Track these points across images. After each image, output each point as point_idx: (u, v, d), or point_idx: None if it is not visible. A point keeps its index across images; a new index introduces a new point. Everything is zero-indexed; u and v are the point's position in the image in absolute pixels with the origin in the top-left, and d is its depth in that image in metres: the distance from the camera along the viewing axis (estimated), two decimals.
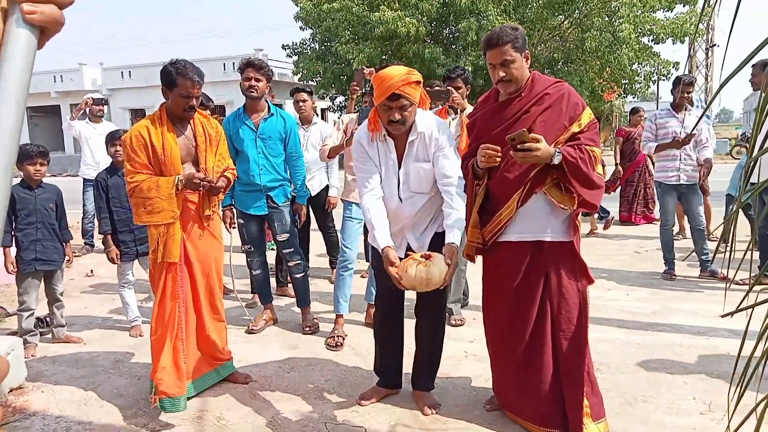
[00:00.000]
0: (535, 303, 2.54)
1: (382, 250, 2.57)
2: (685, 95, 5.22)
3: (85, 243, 6.93)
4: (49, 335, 4.00)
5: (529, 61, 2.57)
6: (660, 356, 3.46)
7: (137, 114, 26.85)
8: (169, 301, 2.92)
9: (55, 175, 20.66)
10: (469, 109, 3.99)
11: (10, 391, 3.17)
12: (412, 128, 2.65)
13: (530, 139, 2.33)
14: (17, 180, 3.80)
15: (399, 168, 2.73)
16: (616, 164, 7.72)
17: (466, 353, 3.58)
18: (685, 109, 5.20)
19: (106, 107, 6.85)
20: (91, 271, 5.97)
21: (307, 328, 4.03)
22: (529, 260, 2.55)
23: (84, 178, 6.73)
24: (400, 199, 2.75)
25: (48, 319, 4.04)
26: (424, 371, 2.95)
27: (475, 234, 2.68)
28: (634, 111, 7.94)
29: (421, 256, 2.49)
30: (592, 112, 2.58)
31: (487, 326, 2.79)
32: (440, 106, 3.96)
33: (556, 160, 2.39)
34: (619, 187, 7.86)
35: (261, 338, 3.98)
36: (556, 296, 2.52)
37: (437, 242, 2.73)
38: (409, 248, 2.77)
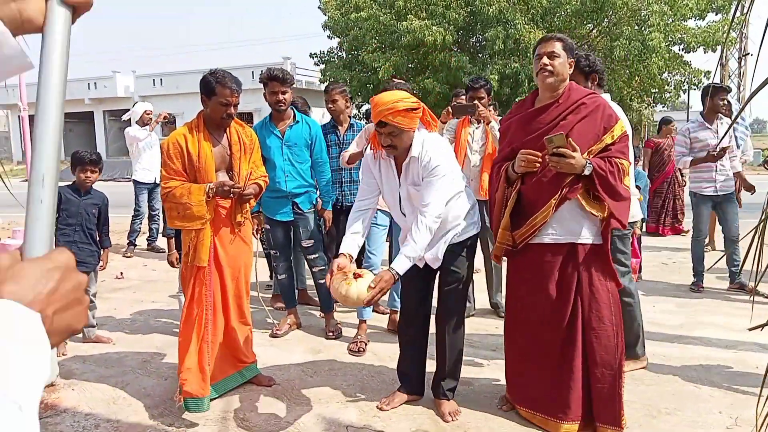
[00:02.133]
0: (568, 303, 2.62)
1: (339, 254, 2.68)
2: (720, 103, 5.08)
3: (129, 243, 7.12)
4: (80, 335, 4.11)
5: (572, 68, 2.67)
6: (686, 369, 3.41)
7: (168, 120, 27.36)
8: (197, 305, 3.01)
9: None
10: (494, 123, 4.03)
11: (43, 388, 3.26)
12: (409, 151, 2.69)
13: (567, 144, 2.42)
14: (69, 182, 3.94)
15: (399, 186, 2.80)
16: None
17: (489, 361, 3.58)
18: (718, 119, 5.07)
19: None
20: (121, 273, 6.10)
21: (330, 333, 4.07)
22: (562, 262, 2.63)
23: (138, 181, 6.96)
24: (403, 214, 2.85)
25: None
26: (444, 379, 2.96)
27: (506, 236, 2.74)
28: (666, 122, 7.82)
29: (354, 275, 2.54)
30: (624, 125, 2.62)
31: (513, 325, 2.82)
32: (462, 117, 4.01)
33: (587, 171, 2.48)
34: (647, 198, 7.75)
35: (285, 342, 4.04)
36: (587, 297, 2.60)
37: (452, 255, 2.81)
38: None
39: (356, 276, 2.54)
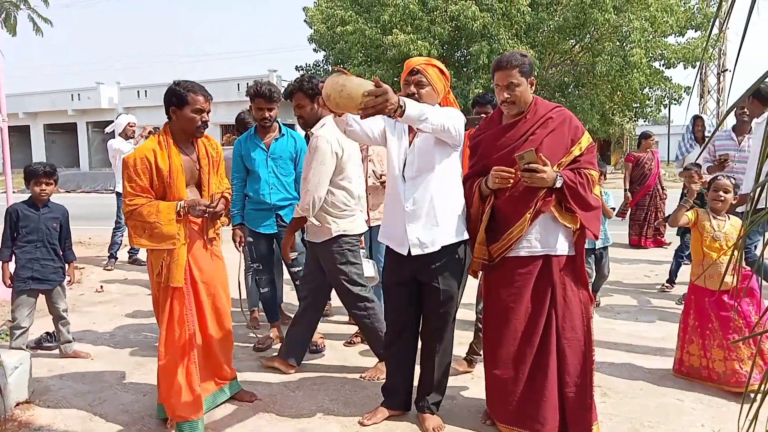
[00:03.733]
0: (543, 314, 2.66)
1: None
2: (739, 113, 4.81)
3: (110, 256, 6.99)
4: (57, 351, 4.02)
5: (533, 87, 2.69)
6: (668, 382, 3.42)
7: (152, 133, 27.22)
8: (178, 326, 2.87)
9: (69, 191, 20.90)
10: None
11: (17, 405, 3.18)
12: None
13: (538, 160, 2.47)
14: (25, 196, 3.85)
15: (410, 146, 2.76)
16: (625, 190, 7.70)
17: (473, 375, 3.56)
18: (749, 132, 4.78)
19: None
20: (101, 286, 6.01)
21: (314, 347, 4.03)
22: (537, 274, 2.67)
23: (121, 193, 6.86)
24: (404, 178, 2.73)
25: (56, 334, 4.05)
26: (429, 393, 2.93)
27: (482, 251, 2.75)
28: (646, 136, 7.93)
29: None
30: (590, 136, 2.69)
31: (490, 338, 2.81)
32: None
33: (558, 184, 2.55)
34: (629, 211, 7.83)
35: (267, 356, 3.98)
36: (561, 307, 2.65)
37: (447, 253, 2.72)
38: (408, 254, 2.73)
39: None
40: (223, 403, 3.19)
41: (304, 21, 22.00)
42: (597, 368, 3.61)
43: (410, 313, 2.91)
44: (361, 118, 2.32)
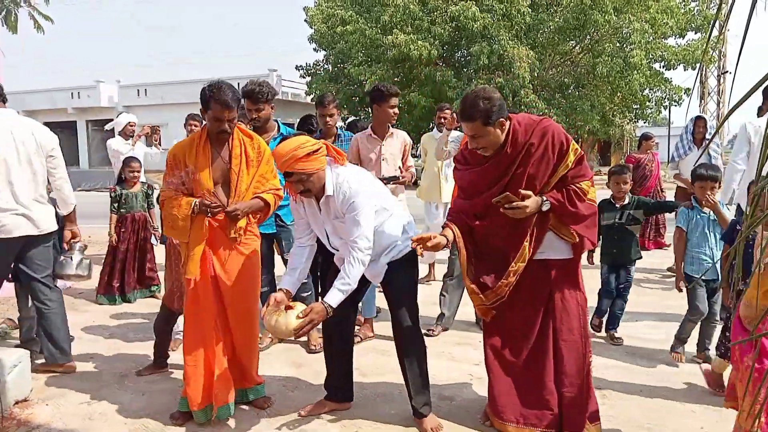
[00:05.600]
0: (539, 315, 2.68)
1: (278, 290, 2.76)
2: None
3: None
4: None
5: (505, 126, 2.55)
6: (668, 384, 3.42)
7: (150, 132, 27.23)
8: (193, 319, 2.97)
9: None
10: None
11: (16, 403, 3.18)
12: (324, 189, 2.72)
13: (515, 199, 2.47)
14: None
15: (323, 222, 2.84)
16: None
17: (471, 376, 3.56)
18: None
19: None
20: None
21: (313, 347, 4.02)
22: (534, 276, 2.67)
23: None
24: (335, 249, 2.88)
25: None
26: (413, 398, 2.94)
27: (478, 299, 2.73)
28: (646, 137, 7.91)
29: (285, 306, 2.62)
30: (576, 146, 2.61)
31: (490, 340, 2.84)
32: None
33: (545, 208, 2.54)
34: None
35: (266, 356, 3.97)
36: (559, 309, 2.67)
37: (392, 271, 2.85)
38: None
39: (287, 308, 2.61)
40: (244, 404, 3.16)
41: (305, 21, 21.99)
42: (596, 370, 3.62)
43: (347, 313, 2.97)
44: (301, 336, 2.71)
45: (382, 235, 2.82)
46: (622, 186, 4.12)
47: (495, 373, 2.81)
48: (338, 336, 3.05)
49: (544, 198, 2.53)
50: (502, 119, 2.50)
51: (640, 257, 4.29)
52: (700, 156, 4.38)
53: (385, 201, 2.89)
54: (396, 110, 4.18)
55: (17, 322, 4.13)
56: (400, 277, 2.90)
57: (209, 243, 2.96)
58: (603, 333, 4.29)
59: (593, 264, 4.26)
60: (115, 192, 5.39)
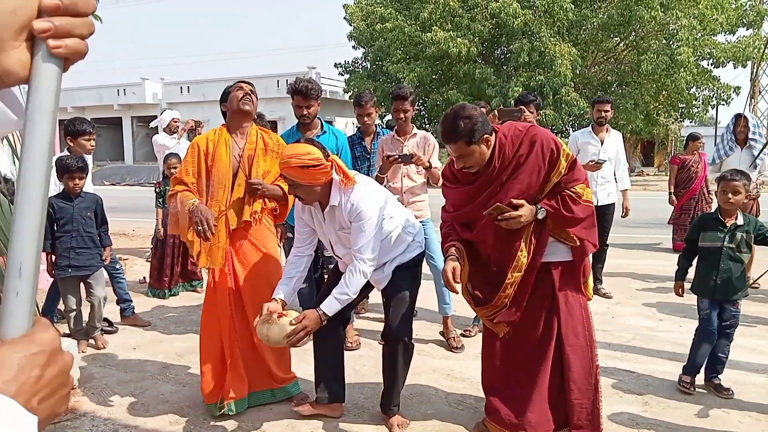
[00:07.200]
0: (541, 319, 2.62)
1: (272, 299, 2.72)
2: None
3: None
4: (115, 332, 4.24)
5: (490, 143, 2.47)
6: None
7: (193, 127, 27.86)
8: (209, 314, 3.05)
9: (114, 184, 21.54)
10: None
11: None
12: (329, 200, 2.68)
13: (508, 209, 2.42)
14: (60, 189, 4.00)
15: (326, 231, 2.81)
16: (670, 193, 7.47)
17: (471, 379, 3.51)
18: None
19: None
20: (144, 277, 6.15)
21: (349, 344, 4.04)
22: (536, 279, 2.61)
23: None
24: (338, 256, 2.86)
25: (109, 319, 4.26)
26: (386, 397, 2.93)
27: (482, 311, 2.70)
28: (693, 138, 7.65)
29: (277, 315, 2.59)
30: (568, 150, 2.53)
31: (488, 345, 2.80)
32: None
33: (541, 216, 2.49)
34: (674, 216, 7.61)
35: (302, 352, 4.00)
36: (563, 313, 2.60)
37: (395, 276, 2.82)
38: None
39: (280, 316, 2.59)
40: (270, 404, 3.18)
41: (344, 18, 22.11)
42: (638, 375, 3.54)
43: (340, 317, 2.89)
44: (294, 344, 2.65)
45: (389, 245, 2.79)
46: (731, 197, 3.21)
47: (489, 378, 2.79)
48: (329, 339, 2.95)
49: (539, 206, 2.48)
50: (486, 135, 2.43)
51: (754, 287, 3.58)
52: (754, 159, 4.12)
53: (394, 210, 2.85)
54: (402, 114, 4.08)
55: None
56: (401, 283, 2.85)
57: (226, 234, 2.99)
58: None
59: (682, 296, 3.48)
60: (160, 187, 5.53)
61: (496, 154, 2.49)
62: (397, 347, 2.86)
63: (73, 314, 4.02)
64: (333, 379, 3.01)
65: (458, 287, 2.55)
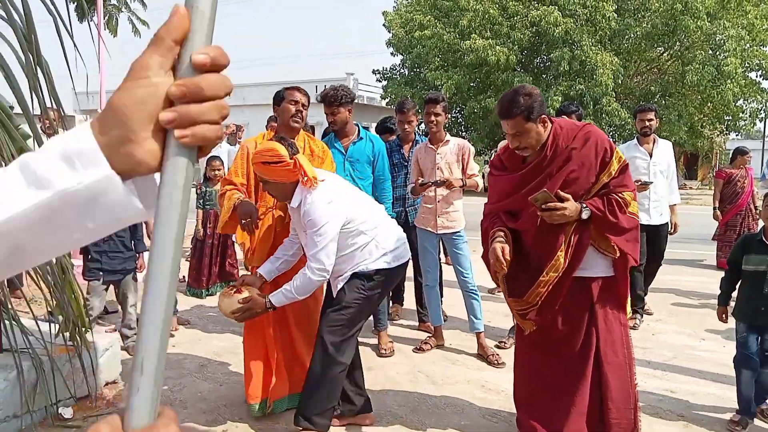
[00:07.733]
0: (579, 337, 2.53)
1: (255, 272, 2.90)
2: None
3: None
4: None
5: (547, 126, 2.45)
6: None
7: (233, 131, 28.37)
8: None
9: None
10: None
11: (106, 384, 3.40)
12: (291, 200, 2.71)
13: (554, 199, 2.35)
14: None
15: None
16: (715, 208, 7.26)
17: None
18: None
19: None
20: (183, 277, 6.28)
21: (383, 351, 4.05)
22: (574, 294, 2.51)
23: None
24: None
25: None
26: (301, 404, 2.77)
27: (515, 304, 2.64)
28: (741, 152, 7.40)
29: (235, 290, 2.75)
30: (621, 154, 2.47)
31: (522, 360, 2.75)
32: None
33: (585, 215, 2.40)
34: (718, 232, 7.39)
35: None
36: (603, 331, 2.51)
37: (349, 282, 2.75)
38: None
39: (237, 291, 2.72)
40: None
41: (383, 25, 22.25)
42: (678, 396, 3.45)
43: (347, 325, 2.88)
44: (238, 321, 2.80)
45: (350, 256, 2.73)
46: None
47: (521, 398, 2.73)
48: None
49: (584, 205, 2.40)
50: (544, 116, 2.42)
51: None
52: None
53: (372, 224, 2.77)
54: (433, 118, 4.06)
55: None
56: (347, 292, 2.74)
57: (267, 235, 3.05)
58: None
59: (726, 321, 3.37)
60: (201, 189, 5.65)
61: (549, 143, 2.47)
62: (318, 355, 2.72)
63: (93, 313, 3.89)
64: (354, 392, 2.98)
65: (505, 267, 2.46)
